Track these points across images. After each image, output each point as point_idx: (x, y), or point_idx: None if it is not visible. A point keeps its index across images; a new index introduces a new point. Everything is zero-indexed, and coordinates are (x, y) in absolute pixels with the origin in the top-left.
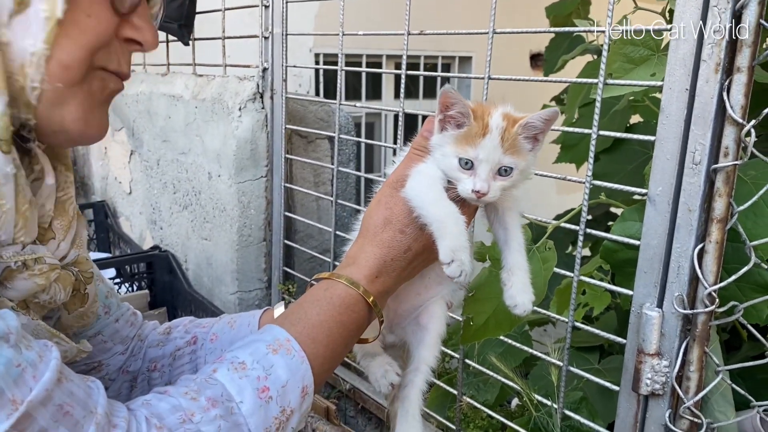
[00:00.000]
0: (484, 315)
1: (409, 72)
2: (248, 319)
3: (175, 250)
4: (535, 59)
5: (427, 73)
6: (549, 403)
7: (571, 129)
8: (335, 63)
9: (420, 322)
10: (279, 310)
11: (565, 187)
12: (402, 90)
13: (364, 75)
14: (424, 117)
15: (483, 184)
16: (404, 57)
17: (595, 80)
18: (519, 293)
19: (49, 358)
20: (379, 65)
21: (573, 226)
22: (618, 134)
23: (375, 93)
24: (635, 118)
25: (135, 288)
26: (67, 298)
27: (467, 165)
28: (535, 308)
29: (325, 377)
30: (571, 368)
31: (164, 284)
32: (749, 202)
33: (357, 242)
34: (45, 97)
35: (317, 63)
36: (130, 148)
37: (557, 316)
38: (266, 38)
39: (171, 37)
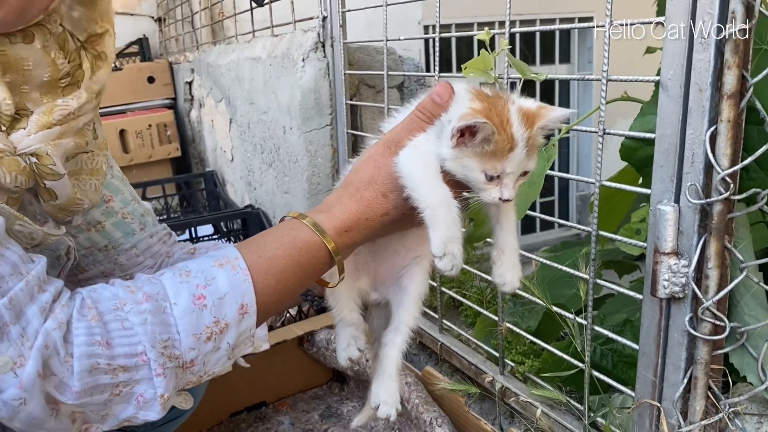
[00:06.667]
0: (487, 217)
1: (493, 31)
2: None
3: (266, 208)
4: None
5: (525, 29)
6: (588, 324)
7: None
8: (447, 33)
9: (401, 284)
10: None
11: None
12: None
13: (475, 46)
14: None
15: (512, 192)
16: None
17: None
18: (508, 272)
19: None
20: (492, 37)
21: (592, 130)
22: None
23: None
24: None
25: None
26: (21, 185)
27: (492, 177)
28: (570, 224)
29: (274, 308)
30: (598, 281)
31: None
32: (765, 72)
33: (338, 191)
34: None
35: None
36: (229, 116)
37: (585, 228)
38: None
39: (254, 4)
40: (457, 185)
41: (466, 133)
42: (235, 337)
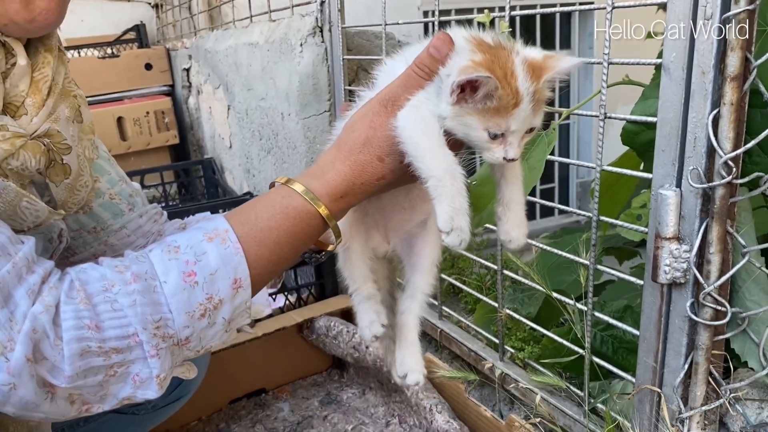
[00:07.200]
0: (485, 201)
1: (493, 14)
2: None
3: None
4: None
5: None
6: (588, 310)
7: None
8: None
9: (414, 248)
10: None
11: None
12: None
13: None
14: None
15: (517, 151)
16: None
17: None
18: (514, 228)
19: None
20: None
21: (593, 114)
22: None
23: None
24: None
25: None
26: (41, 167)
27: (496, 136)
28: (571, 210)
29: (269, 278)
30: (599, 266)
31: None
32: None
33: (331, 152)
34: None
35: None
36: (227, 103)
37: (585, 213)
38: None
39: None
40: (459, 145)
41: (466, 89)
42: (230, 311)
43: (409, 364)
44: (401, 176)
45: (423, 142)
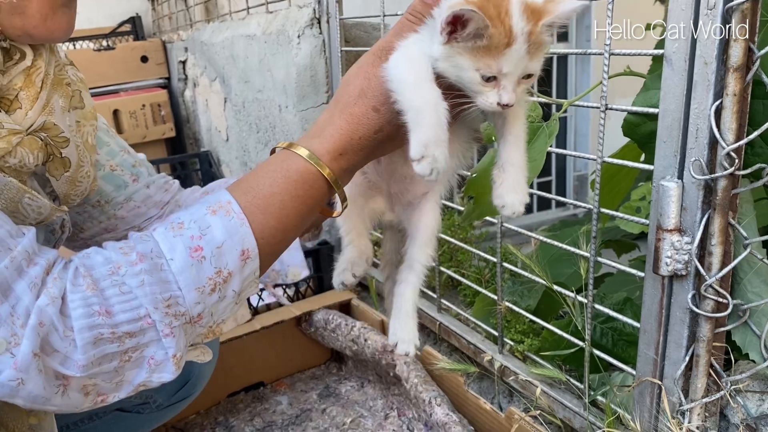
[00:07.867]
0: (486, 193)
1: None
2: None
3: None
4: None
5: None
6: (588, 303)
7: None
8: None
9: (412, 219)
10: None
11: None
12: None
13: None
14: None
15: (511, 95)
16: None
17: None
18: (508, 192)
19: None
20: None
21: (594, 105)
22: None
23: None
24: None
25: None
26: (40, 162)
27: (489, 79)
28: (571, 202)
29: (281, 247)
30: (599, 259)
31: None
32: None
33: (328, 110)
34: (2, 8)
35: None
36: (223, 95)
37: (585, 205)
38: None
39: None
40: (453, 92)
41: (457, 26)
42: (239, 283)
43: (401, 334)
44: (400, 127)
45: (408, 76)
